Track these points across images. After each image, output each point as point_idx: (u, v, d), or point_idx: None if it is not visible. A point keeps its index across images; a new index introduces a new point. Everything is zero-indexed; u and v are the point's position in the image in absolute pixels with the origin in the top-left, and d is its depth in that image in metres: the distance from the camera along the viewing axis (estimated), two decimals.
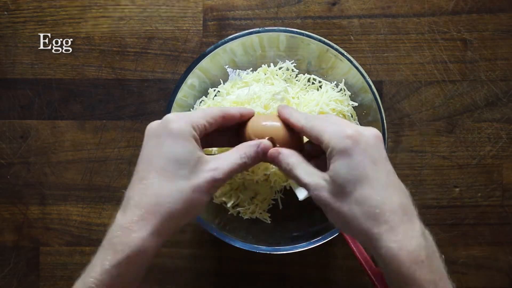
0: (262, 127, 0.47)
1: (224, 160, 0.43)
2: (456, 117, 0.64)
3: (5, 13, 0.65)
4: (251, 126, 0.48)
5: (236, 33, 0.56)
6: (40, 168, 0.65)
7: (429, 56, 0.64)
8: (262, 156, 0.45)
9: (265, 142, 0.45)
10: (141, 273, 0.40)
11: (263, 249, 0.54)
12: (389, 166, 0.40)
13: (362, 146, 0.39)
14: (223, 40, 0.55)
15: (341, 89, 0.59)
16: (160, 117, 0.60)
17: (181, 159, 0.40)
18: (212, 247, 0.64)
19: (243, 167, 0.44)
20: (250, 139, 0.47)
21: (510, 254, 0.64)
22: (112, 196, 0.64)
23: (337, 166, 0.40)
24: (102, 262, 0.38)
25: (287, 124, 0.47)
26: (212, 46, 0.55)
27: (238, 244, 0.54)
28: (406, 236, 0.37)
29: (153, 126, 0.43)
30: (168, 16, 0.65)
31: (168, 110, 0.53)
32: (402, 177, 0.63)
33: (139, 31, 0.65)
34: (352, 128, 0.40)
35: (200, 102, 0.59)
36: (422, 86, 0.64)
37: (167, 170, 0.40)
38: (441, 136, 0.64)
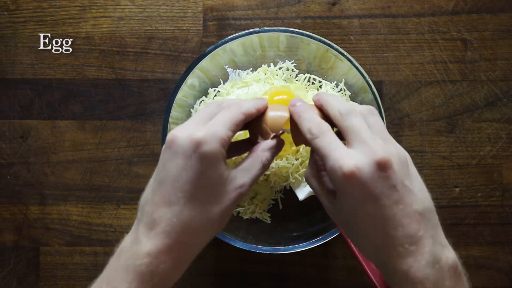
0: (279, 120, 0.43)
1: (247, 173, 0.41)
2: (456, 117, 0.64)
3: (5, 13, 0.65)
4: (268, 120, 0.43)
5: (236, 33, 0.56)
6: (40, 168, 0.65)
7: (429, 56, 0.64)
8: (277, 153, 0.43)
9: (279, 142, 0.43)
10: None
11: (263, 249, 0.54)
12: (396, 195, 0.36)
13: (358, 184, 0.36)
14: (223, 40, 0.55)
15: (341, 89, 0.59)
16: (160, 117, 0.60)
17: (213, 185, 0.38)
18: (212, 247, 0.64)
19: (263, 172, 0.42)
20: (267, 134, 0.43)
21: (510, 254, 0.64)
22: (112, 196, 0.64)
23: (339, 201, 0.39)
24: (128, 285, 0.37)
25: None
26: (212, 46, 0.55)
27: (238, 244, 0.54)
28: (409, 269, 0.35)
29: (182, 143, 0.38)
30: (168, 16, 0.65)
31: (168, 110, 0.53)
32: None
33: (139, 31, 0.65)
34: (353, 161, 0.36)
35: (200, 102, 0.59)
36: (422, 86, 0.64)
37: (198, 198, 0.38)
38: (441, 136, 0.64)
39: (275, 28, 0.55)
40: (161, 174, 0.39)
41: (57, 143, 0.65)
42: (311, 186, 0.43)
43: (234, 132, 0.40)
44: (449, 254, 0.36)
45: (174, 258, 0.37)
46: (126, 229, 0.64)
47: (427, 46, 0.64)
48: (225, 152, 0.39)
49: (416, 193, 0.36)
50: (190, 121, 0.40)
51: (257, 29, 0.55)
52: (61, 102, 0.65)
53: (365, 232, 0.37)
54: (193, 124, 0.40)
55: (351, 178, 0.36)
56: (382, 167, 0.36)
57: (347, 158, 0.36)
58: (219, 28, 0.65)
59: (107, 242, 0.64)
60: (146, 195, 0.40)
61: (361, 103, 0.57)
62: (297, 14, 0.64)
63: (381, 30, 0.64)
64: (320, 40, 0.55)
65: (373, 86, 0.54)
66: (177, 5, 0.65)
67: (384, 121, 0.54)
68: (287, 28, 0.55)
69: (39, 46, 0.65)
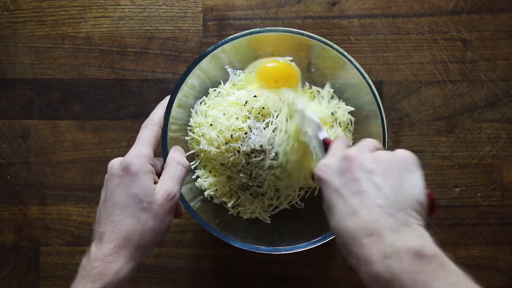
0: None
1: (168, 177, 0.49)
2: (456, 117, 0.64)
3: (5, 13, 0.65)
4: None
5: (236, 33, 0.55)
6: (40, 168, 0.65)
7: (429, 56, 0.64)
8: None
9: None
10: None
11: (263, 249, 0.54)
12: (356, 187, 0.40)
13: (323, 178, 0.42)
14: (223, 40, 0.55)
15: (333, 96, 0.59)
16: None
17: (141, 194, 0.46)
18: (212, 247, 0.64)
19: (185, 171, 0.50)
20: None
21: (510, 254, 0.64)
22: None
23: (323, 198, 0.43)
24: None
25: None
26: (212, 46, 0.55)
27: (238, 244, 0.54)
28: (368, 259, 0.37)
29: (115, 166, 0.47)
30: (168, 16, 0.65)
31: (168, 111, 0.53)
32: None
33: (139, 31, 0.65)
34: (322, 162, 0.43)
35: (201, 103, 0.59)
36: (422, 86, 0.64)
37: (130, 207, 0.46)
38: (441, 136, 0.64)
39: (275, 28, 0.55)
40: (102, 196, 0.48)
41: (57, 143, 0.65)
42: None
43: (155, 144, 0.50)
44: (411, 243, 0.37)
45: (120, 258, 0.45)
46: None
47: (427, 46, 0.64)
48: (151, 166, 0.48)
49: (384, 189, 0.39)
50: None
51: (258, 29, 0.55)
52: (61, 102, 0.65)
53: (331, 221, 0.41)
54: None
55: (318, 174, 0.43)
56: (346, 160, 0.41)
57: (321, 161, 0.43)
58: (219, 28, 0.65)
59: None
60: (96, 217, 0.48)
61: (361, 104, 0.57)
62: (297, 14, 0.64)
63: (381, 30, 0.64)
64: (320, 40, 0.55)
65: (373, 86, 0.54)
66: (177, 5, 0.65)
67: (385, 121, 0.54)
68: (287, 28, 0.55)
69: (39, 46, 0.65)
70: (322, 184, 0.42)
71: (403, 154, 0.41)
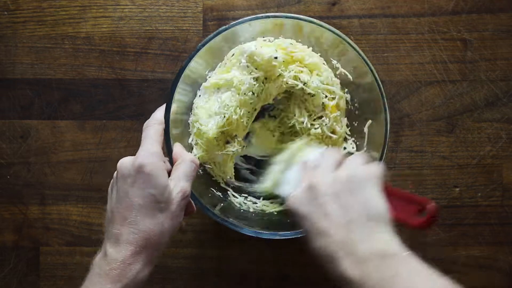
0: None
1: (185, 178, 0.48)
2: (456, 117, 0.64)
3: (5, 13, 0.65)
4: None
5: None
6: (40, 168, 0.65)
7: (429, 56, 0.64)
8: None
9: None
10: None
11: (266, 234, 0.53)
12: (322, 211, 0.44)
13: (294, 209, 0.47)
14: (224, 27, 0.53)
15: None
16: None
17: (157, 194, 0.46)
18: (212, 247, 0.64)
19: (197, 169, 0.50)
20: None
21: (510, 254, 0.64)
22: None
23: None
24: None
25: None
26: (212, 34, 0.53)
27: (245, 231, 0.53)
28: (344, 271, 0.41)
29: (127, 166, 0.46)
30: (168, 16, 0.65)
31: (168, 109, 0.52)
32: (402, 177, 0.63)
33: (139, 31, 0.65)
34: (291, 194, 0.48)
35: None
36: (422, 86, 0.64)
37: (146, 208, 0.45)
38: (441, 136, 0.64)
39: (281, 14, 0.54)
40: (113, 197, 0.47)
41: (57, 143, 0.65)
42: None
43: (161, 141, 0.50)
44: (379, 247, 0.41)
45: (140, 259, 0.45)
46: None
47: (427, 46, 0.64)
48: (163, 164, 0.47)
49: (348, 207, 0.43)
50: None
51: (265, 14, 0.54)
52: (61, 102, 0.65)
53: (310, 245, 0.45)
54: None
55: (289, 207, 0.47)
56: (310, 189, 0.45)
57: (290, 194, 0.48)
58: (219, 28, 0.64)
59: None
60: (107, 217, 0.47)
61: (367, 100, 0.57)
62: (297, 14, 0.64)
63: (381, 30, 0.64)
64: (330, 30, 0.53)
65: (377, 76, 0.54)
66: (177, 5, 0.65)
67: (388, 117, 0.53)
68: (293, 15, 0.54)
69: (39, 46, 0.65)
70: (294, 214, 0.46)
71: (361, 171, 0.45)
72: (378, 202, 0.43)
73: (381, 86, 0.53)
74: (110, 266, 0.44)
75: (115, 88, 0.65)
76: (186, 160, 0.49)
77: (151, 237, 0.45)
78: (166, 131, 0.52)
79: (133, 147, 0.64)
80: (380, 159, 0.53)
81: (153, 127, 0.50)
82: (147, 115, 0.64)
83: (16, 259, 0.64)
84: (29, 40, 0.65)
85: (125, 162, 0.47)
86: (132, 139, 0.64)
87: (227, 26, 0.53)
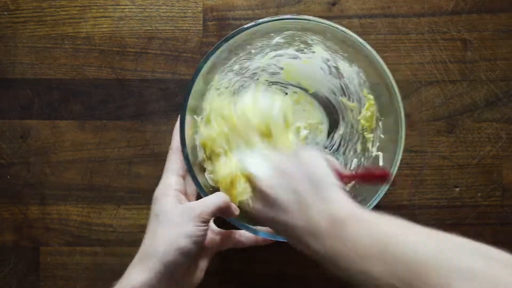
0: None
1: (209, 205, 0.50)
2: (456, 117, 0.64)
3: (5, 13, 0.65)
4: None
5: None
6: (40, 168, 0.65)
7: (429, 56, 0.64)
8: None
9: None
10: None
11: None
12: (275, 210, 0.47)
13: (255, 216, 0.50)
14: (237, 30, 0.53)
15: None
16: (160, 117, 0.60)
17: (177, 215, 0.49)
18: None
19: (222, 206, 0.51)
20: None
21: (510, 254, 0.64)
22: (112, 196, 0.64)
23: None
24: None
25: None
26: (211, 50, 0.54)
27: (261, 234, 0.53)
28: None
29: (164, 205, 0.50)
30: (168, 16, 0.65)
31: (182, 130, 0.53)
32: (402, 177, 0.63)
33: (139, 31, 0.65)
34: (252, 208, 0.51)
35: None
36: (422, 86, 0.64)
37: (171, 261, 0.47)
38: (441, 136, 0.64)
39: (288, 16, 0.54)
40: (147, 234, 0.50)
41: (57, 143, 0.65)
42: None
43: (181, 169, 0.53)
44: (327, 210, 0.42)
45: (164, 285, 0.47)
46: (126, 229, 0.64)
47: (427, 46, 0.64)
48: (173, 190, 0.50)
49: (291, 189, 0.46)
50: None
51: (270, 17, 0.54)
52: (61, 102, 0.65)
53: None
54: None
55: (253, 213, 0.50)
56: (262, 195, 0.48)
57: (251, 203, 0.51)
58: (219, 28, 0.65)
59: (107, 242, 0.64)
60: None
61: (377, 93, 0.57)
62: (297, 14, 0.64)
63: (381, 30, 0.64)
64: (337, 28, 0.53)
65: (389, 73, 0.54)
66: (177, 5, 0.65)
67: (402, 110, 0.54)
68: (302, 16, 0.54)
69: (39, 46, 0.65)
70: (255, 217, 0.49)
71: (304, 156, 0.47)
72: (319, 167, 0.46)
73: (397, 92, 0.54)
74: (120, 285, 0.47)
75: (115, 88, 0.65)
76: (219, 195, 0.52)
77: (168, 261, 0.47)
78: (185, 153, 0.53)
79: (133, 147, 0.64)
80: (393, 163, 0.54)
81: (169, 159, 0.54)
82: (147, 115, 0.64)
83: (16, 259, 0.64)
84: (29, 40, 0.65)
85: (161, 198, 0.51)
86: (132, 139, 0.64)
87: (236, 31, 0.53)
